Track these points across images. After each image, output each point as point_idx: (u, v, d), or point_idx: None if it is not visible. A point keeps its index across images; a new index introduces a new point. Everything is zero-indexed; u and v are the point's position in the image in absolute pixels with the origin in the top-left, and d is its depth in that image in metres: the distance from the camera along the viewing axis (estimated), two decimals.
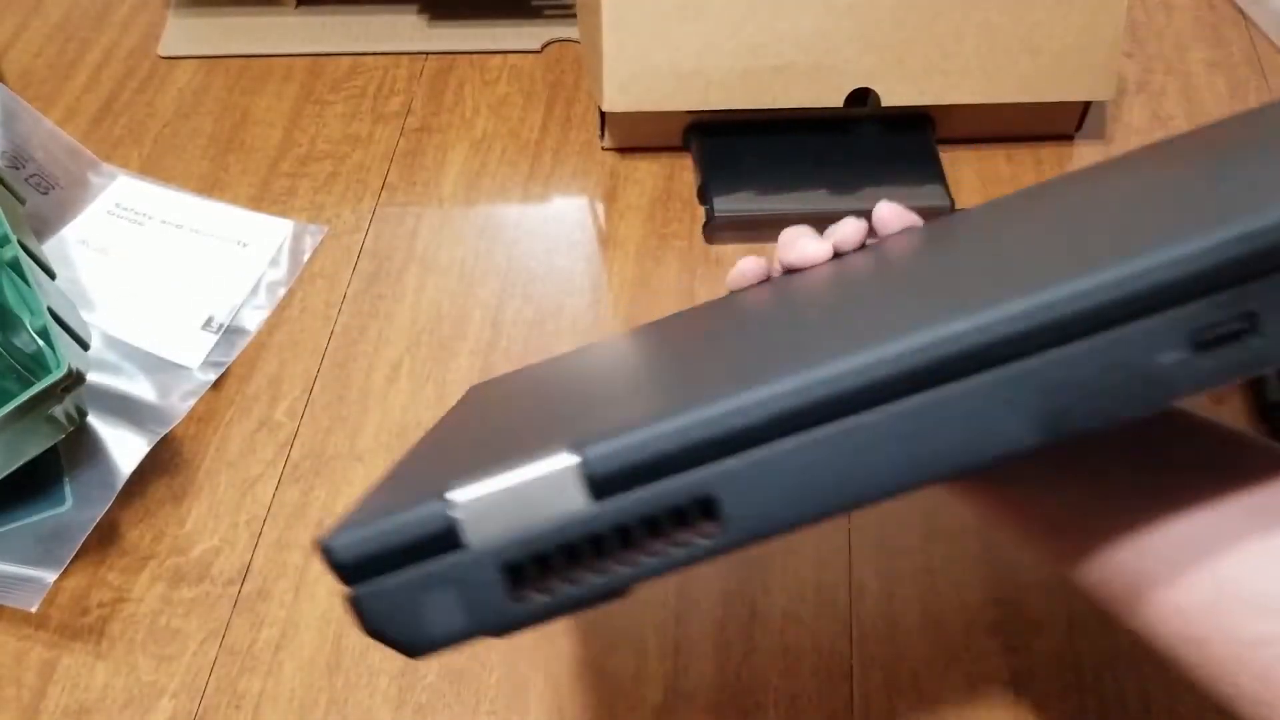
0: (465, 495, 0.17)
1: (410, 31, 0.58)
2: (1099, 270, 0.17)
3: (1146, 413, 0.17)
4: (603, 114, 0.51)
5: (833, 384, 0.17)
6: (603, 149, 0.53)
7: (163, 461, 0.43)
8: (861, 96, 0.49)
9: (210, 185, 0.52)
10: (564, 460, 0.17)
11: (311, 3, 0.59)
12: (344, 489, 0.42)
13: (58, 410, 0.38)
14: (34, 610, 0.38)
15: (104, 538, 0.41)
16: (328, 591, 0.40)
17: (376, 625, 0.17)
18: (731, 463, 0.17)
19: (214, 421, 0.44)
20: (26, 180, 0.48)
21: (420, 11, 0.59)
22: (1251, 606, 0.20)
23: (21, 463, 0.38)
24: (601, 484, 0.17)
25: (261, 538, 0.41)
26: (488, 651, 0.38)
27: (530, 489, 0.17)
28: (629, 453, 0.17)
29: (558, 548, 0.17)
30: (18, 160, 0.48)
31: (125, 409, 0.43)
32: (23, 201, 0.47)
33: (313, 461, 0.43)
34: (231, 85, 0.56)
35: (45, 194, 0.49)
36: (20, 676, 0.38)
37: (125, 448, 0.42)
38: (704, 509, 0.17)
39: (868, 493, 0.17)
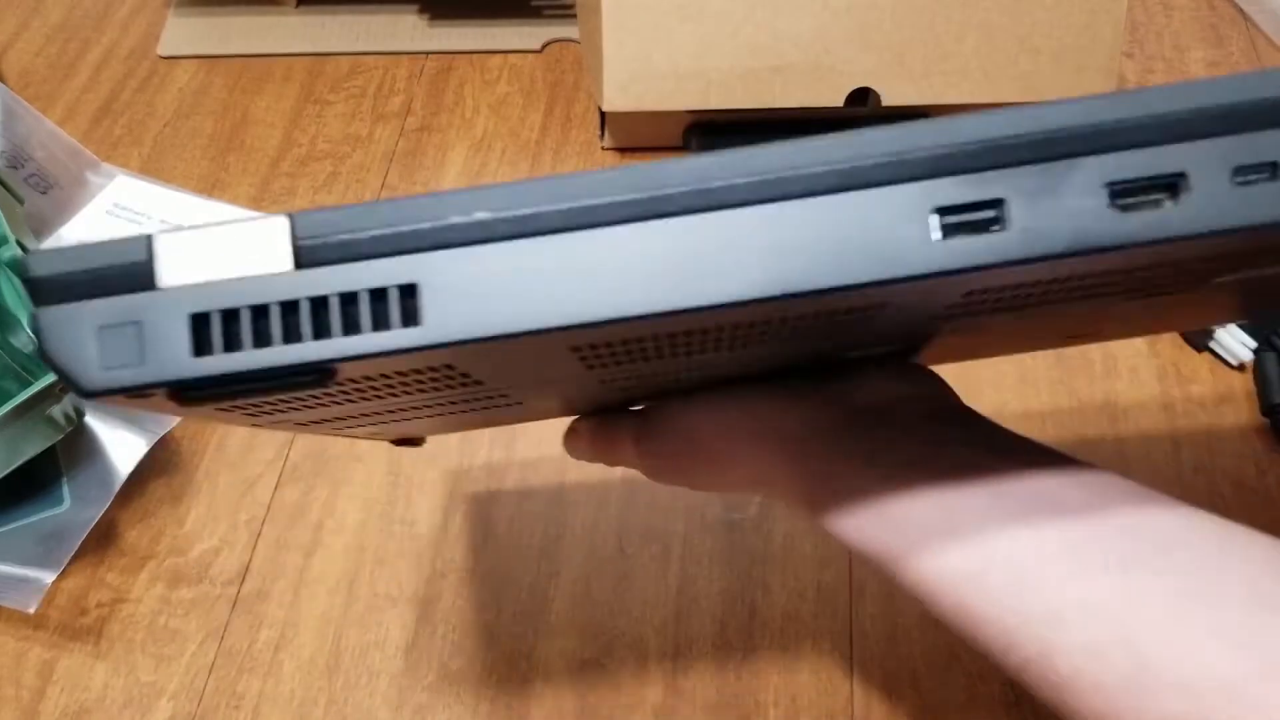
0: (171, 238, 0.16)
1: (410, 31, 0.58)
2: (852, 135, 0.17)
3: (877, 291, 0.17)
4: (603, 114, 0.51)
5: (553, 196, 0.17)
6: (603, 149, 0.53)
7: (161, 462, 0.43)
8: (862, 96, 0.49)
9: (210, 185, 0.52)
10: (274, 223, 0.16)
11: (311, 2, 0.59)
12: (343, 489, 0.42)
13: (56, 410, 0.38)
14: (33, 611, 0.38)
15: (102, 538, 0.41)
16: (327, 592, 0.40)
17: (53, 351, 0.16)
18: (439, 257, 0.16)
19: (213, 421, 0.44)
20: (26, 180, 0.48)
21: (420, 11, 0.59)
22: (1011, 582, 0.21)
23: (20, 463, 0.38)
24: (306, 251, 0.16)
25: (260, 538, 0.41)
26: (487, 652, 0.38)
27: (235, 243, 0.16)
28: (337, 224, 0.16)
29: (250, 307, 0.16)
30: (17, 160, 0.48)
31: (123, 409, 0.43)
32: (22, 201, 0.47)
33: (312, 462, 0.43)
34: (231, 85, 0.56)
35: (44, 193, 0.49)
36: (19, 677, 0.38)
37: (124, 448, 0.42)
38: (407, 298, 0.16)
39: (578, 317, 0.16)
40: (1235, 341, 0.45)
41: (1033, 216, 0.16)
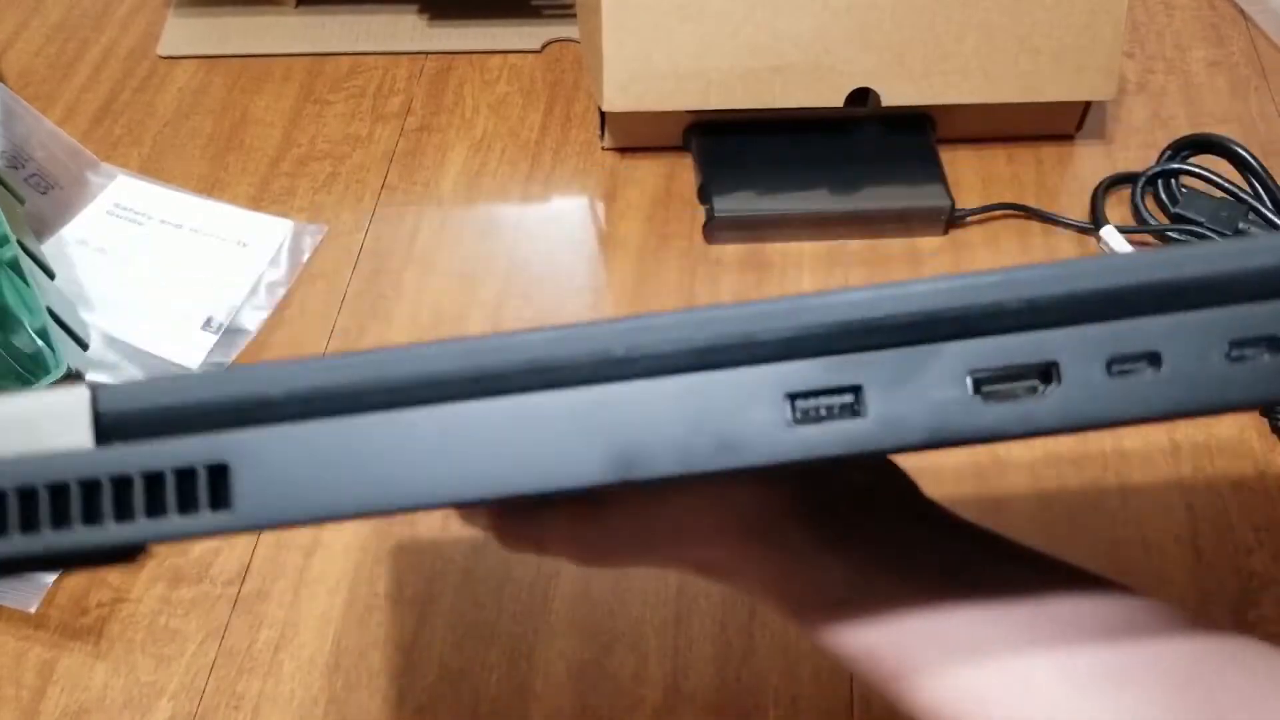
0: None
1: (410, 31, 0.58)
2: (709, 311, 0.16)
3: (732, 473, 0.16)
4: (603, 114, 0.51)
5: (376, 369, 0.15)
6: (603, 149, 0.53)
7: None
8: (862, 96, 0.49)
9: (210, 185, 0.52)
10: (75, 394, 0.15)
11: (311, 2, 0.59)
12: None
13: None
14: (33, 610, 0.38)
15: None
16: (327, 592, 0.40)
17: None
18: (252, 434, 0.15)
19: None
20: (26, 180, 0.48)
21: (420, 11, 0.59)
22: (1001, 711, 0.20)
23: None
24: (109, 425, 0.15)
25: (260, 538, 0.41)
26: (488, 652, 0.38)
27: (34, 415, 0.15)
28: (143, 397, 0.15)
29: (49, 486, 0.15)
30: (17, 160, 0.48)
31: None
32: (22, 201, 0.47)
33: None
34: (231, 85, 0.56)
35: (45, 194, 0.49)
36: (20, 677, 0.38)
37: None
38: (216, 479, 0.15)
39: (401, 501, 0.15)
40: None
41: (891, 405, 0.15)
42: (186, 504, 0.15)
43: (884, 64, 0.48)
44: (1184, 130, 0.53)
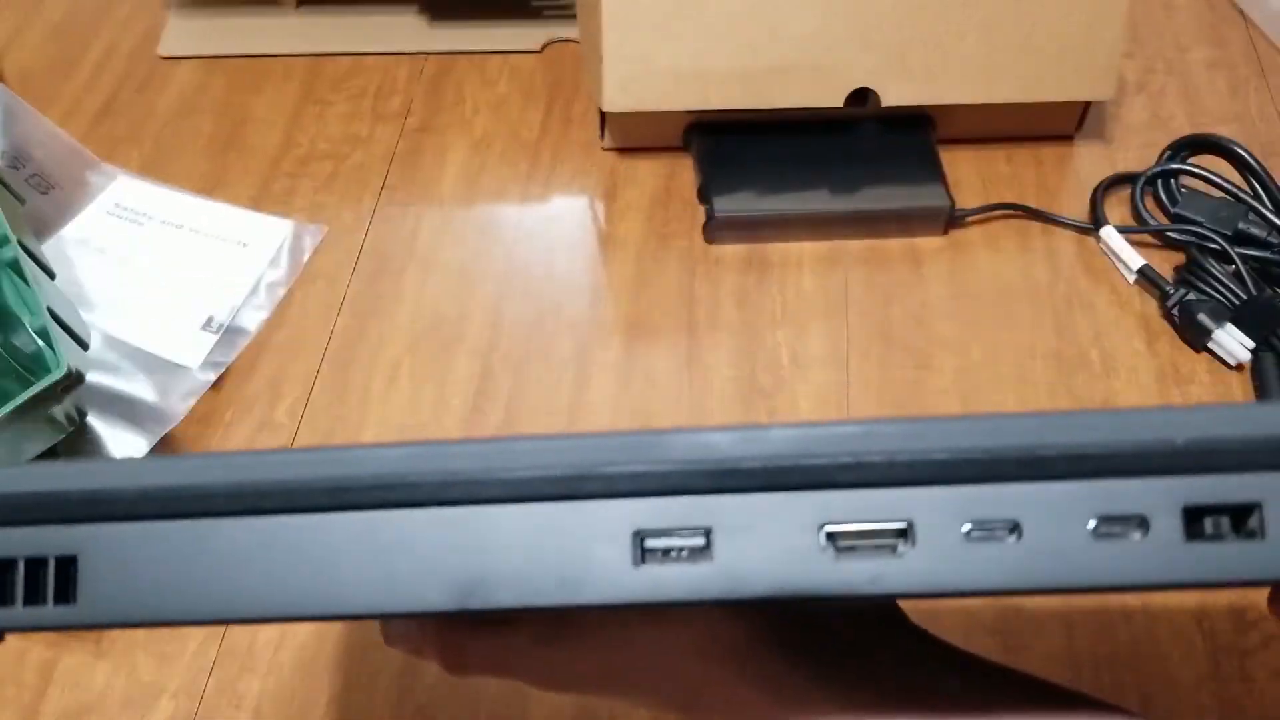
0: None
1: (410, 32, 0.58)
2: (554, 440, 0.15)
3: (574, 610, 0.15)
4: (602, 114, 0.51)
5: (232, 474, 0.15)
6: (602, 149, 0.53)
7: None
8: (861, 96, 0.49)
9: (210, 185, 0.52)
10: None
11: (312, 3, 0.59)
12: None
13: (57, 411, 0.38)
14: None
15: None
16: None
17: None
18: (105, 530, 0.15)
19: (214, 422, 0.44)
20: (26, 180, 0.48)
21: (420, 12, 0.59)
22: None
23: (22, 463, 0.38)
24: None
25: None
26: None
27: None
28: (3, 483, 0.15)
29: None
30: (17, 160, 0.48)
31: (125, 409, 0.43)
32: (22, 201, 0.47)
33: None
34: (231, 85, 0.56)
35: (45, 194, 0.49)
36: (20, 676, 0.38)
37: (125, 448, 0.42)
38: (64, 571, 0.15)
39: (246, 613, 0.15)
40: (1234, 341, 0.45)
41: (740, 552, 0.15)
42: (32, 595, 0.15)
43: (884, 64, 0.48)
44: (1183, 130, 0.53)
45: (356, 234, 0.50)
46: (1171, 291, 0.46)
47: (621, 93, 0.48)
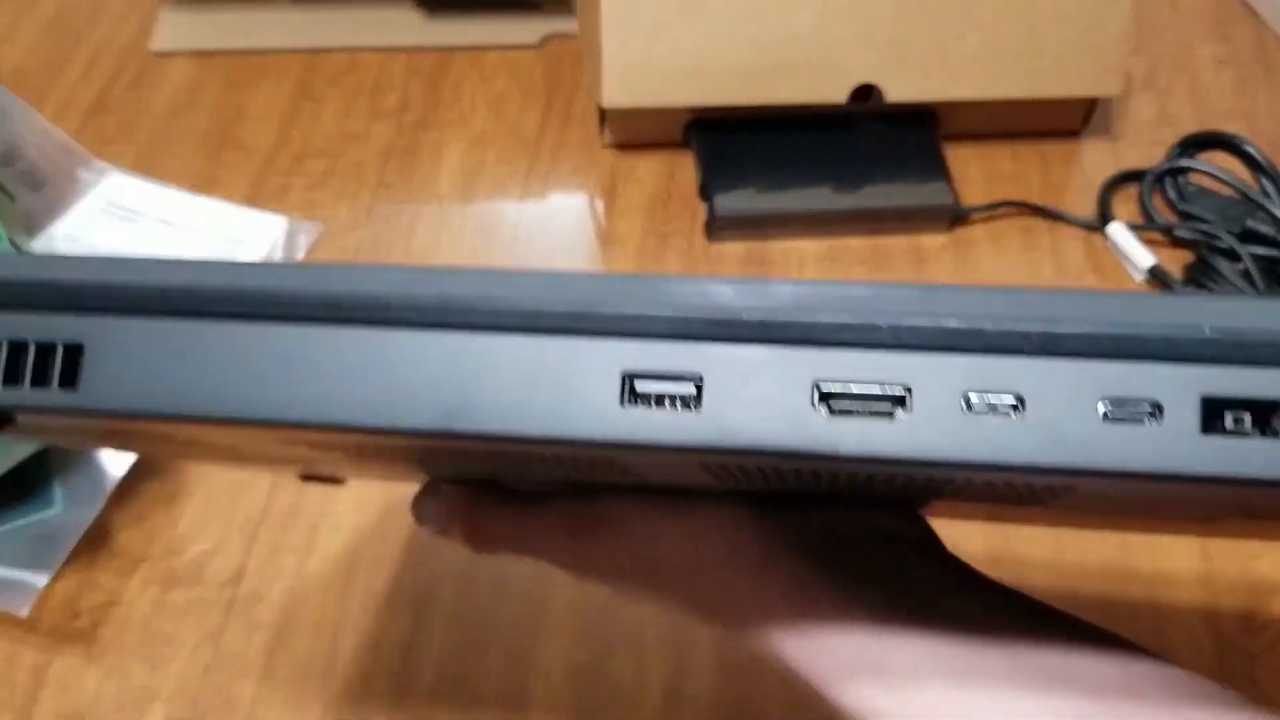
0: None
1: (407, 26, 0.58)
2: (553, 275, 0.15)
3: (557, 444, 0.15)
4: (602, 110, 0.51)
5: (242, 279, 0.16)
6: (602, 146, 0.53)
7: (154, 463, 0.42)
8: (865, 93, 0.48)
9: (204, 182, 0.51)
10: None
11: None
12: (339, 491, 0.42)
13: None
14: (25, 614, 0.37)
15: (95, 540, 0.40)
16: (323, 594, 0.39)
17: None
18: (115, 322, 0.16)
19: None
20: (18, 177, 0.48)
21: (417, 6, 0.58)
22: None
23: (11, 465, 0.38)
24: None
25: (255, 540, 0.40)
26: (486, 656, 0.37)
27: None
28: (24, 270, 0.16)
29: None
30: (9, 156, 0.48)
31: None
32: (14, 198, 0.47)
33: None
34: (226, 81, 0.55)
35: (37, 191, 0.49)
36: (12, 680, 0.37)
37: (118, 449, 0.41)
38: (70, 358, 0.16)
39: (241, 412, 0.15)
40: None
41: (729, 403, 0.14)
42: (39, 377, 0.16)
43: (887, 60, 0.48)
44: (1190, 127, 0.52)
45: (352, 232, 0.50)
46: (1180, 290, 0.46)
47: (621, 89, 0.48)
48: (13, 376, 0.16)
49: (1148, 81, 0.55)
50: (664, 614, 0.38)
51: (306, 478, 0.33)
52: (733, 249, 0.49)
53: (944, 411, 0.14)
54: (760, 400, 0.15)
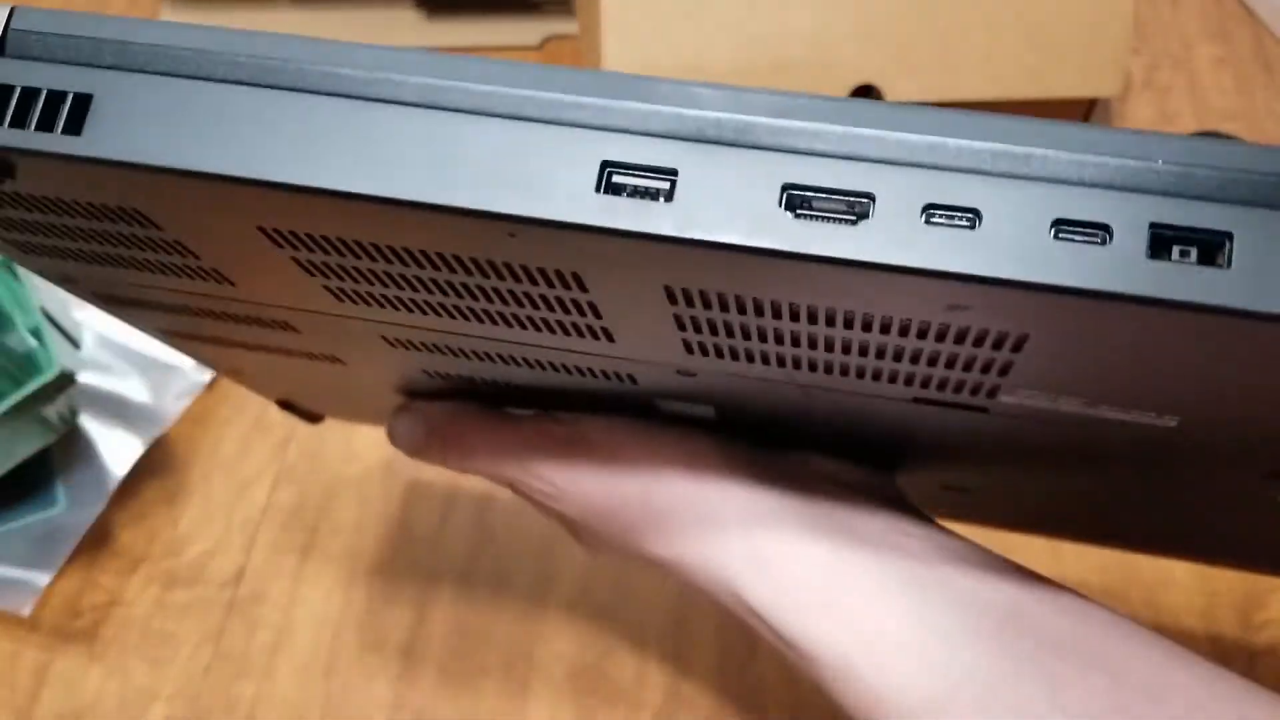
0: None
1: (407, 27, 0.58)
2: (544, 69, 0.16)
3: (529, 225, 0.16)
4: None
5: (250, 48, 0.16)
6: None
7: (156, 463, 0.42)
8: (864, 92, 0.48)
9: None
10: None
11: None
12: (340, 490, 0.42)
13: (50, 411, 0.38)
14: (27, 613, 0.38)
15: (97, 540, 0.40)
16: (324, 594, 0.39)
17: None
18: (128, 79, 0.16)
19: (208, 422, 0.44)
20: None
21: (417, 7, 0.58)
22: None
23: (14, 465, 0.38)
24: (14, 40, 0.17)
25: (256, 540, 0.41)
26: (486, 655, 0.38)
27: None
28: (53, 24, 0.17)
29: None
30: None
31: (118, 410, 0.43)
32: None
33: (308, 463, 0.42)
34: None
35: None
36: (13, 680, 0.37)
37: (118, 449, 0.41)
38: (78, 106, 0.16)
39: (229, 167, 0.16)
40: None
41: (700, 198, 0.15)
42: (45, 122, 0.16)
43: (888, 60, 0.48)
44: (1190, 127, 0.52)
45: None
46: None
47: None
48: (20, 120, 0.16)
49: (1147, 81, 0.55)
50: (666, 608, 0.38)
51: (285, 405, 0.33)
52: None
53: (904, 220, 0.15)
54: (730, 198, 0.15)
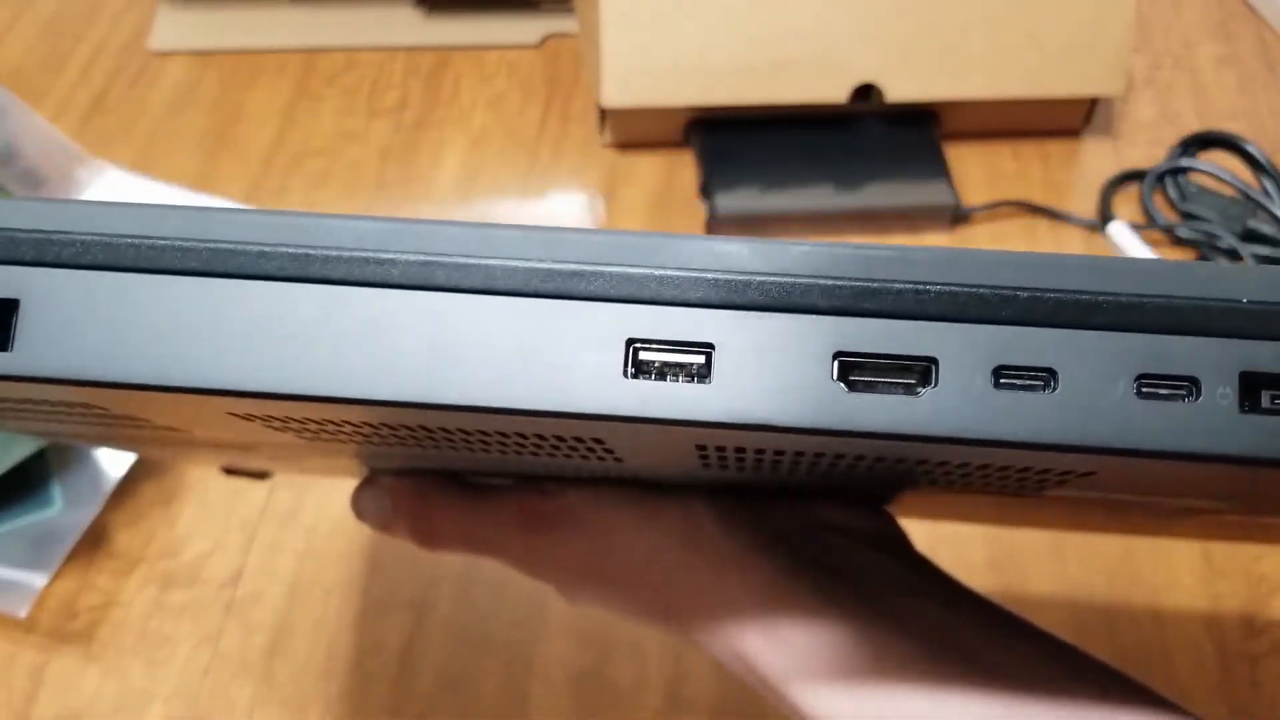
0: None
1: (406, 25, 0.57)
2: (548, 231, 0.14)
3: (550, 418, 0.14)
4: (602, 110, 0.51)
5: (194, 227, 0.14)
6: (602, 145, 0.52)
7: (153, 464, 0.42)
8: (865, 92, 0.48)
9: (202, 182, 0.51)
10: None
11: None
12: (337, 492, 0.42)
13: None
14: (23, 615, 0.37)
15: (94, 541, 0.40)
16: (322, 595, 0.39)
17: None
18: (58, 276, 0.14)
19: None
20: (17, 176, 0.48)
21: (416, 5, 0.58)
22: None
23: (10, 466, 0.38)
24: None
25: (254, 541, 0.40)
26: (485, 658, 0.37)
27: None
28: None
29: None
30: (8, 156, 0.47)
31: None
32: (12, 198, 0.47)
33: None
34: (224, 80, 0.55)
35: (36, 190, 0.49)
36: (10, 681, 0.37)
37: (115, 450, 0.41)
38: (3, 316, 0.14)
39: (188, 379, 0.14)
40: None
41: (742, 374, 0.13)
42: None
43: (888, 59, 0.48)
44: (1192, 127, 0.52)
45: None
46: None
47: (621, 88, 0.48)
48: None
49: (1149, 80, 0.55)
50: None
51: (230, 471, 0.32)
52: None
53: (971, 385, 0.13)
54: (775, 372, 0.13)
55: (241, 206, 0.13)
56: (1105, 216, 0.49)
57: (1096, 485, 0.17)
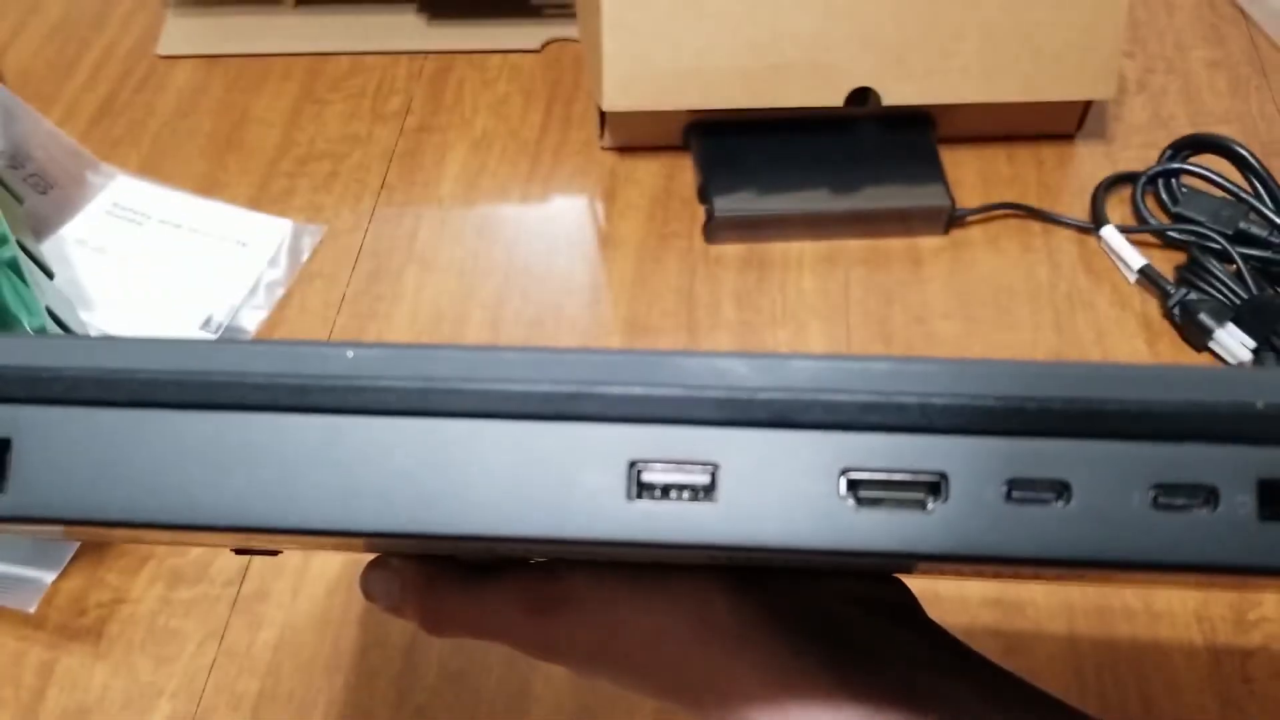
0: None
1: (409, 31, 0.58)
2: (543, 353, 0.14)
3: (554, 544, 0.13)
4: (602, 113, 0.51)
5: (194, 361, 0.14)
6: (602, 149, 0.53)
7: None
8: (862, 96, 0.49)
9: (209, 185, 0.52)
10: None
11: (310, 2, 0.59)
12: None
13: None
14: (32, 611, 0.38)
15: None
16: (327, 592, 0.40)
17: None
18: (51, 414, 0.14)
19: None
20: (25, 180, 0.48)
21: (419, 10, 0.59)
22: None
23: None
24: None
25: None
26: (487, 653, 0.38)
27: None
28: None
29: None
30: (17, 160, 0.48)
31: None
32: (21, 201, 0.47)
33: None
34: (230, 85, 0.56)
35: (44, 194, 0.49)
36: (19, 677, 0.38)
37: None
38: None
39: (188, 516, 0.14)
40: (1235, 341, 0.45)
41: (748, 495, 0.13)
42: None
43: (884, 63, 0.48)
44: (1184, 130, 0.52)
45: (355, 234, 0.50)
46: (1173, 291, 0.46)
47: (621, 92, 0.48)
48: None
49: (1141, 84, 0.56)
50: None
51: (241, 551, 0.32)
52: (732, 250, 0.49)
53: (982, 500, 0.13)
54: (782, 490, 0.13)
55: (222, 341, 0.13)
56: (1098, 219, 0.49)
57: (1108, 578, 0.17)
